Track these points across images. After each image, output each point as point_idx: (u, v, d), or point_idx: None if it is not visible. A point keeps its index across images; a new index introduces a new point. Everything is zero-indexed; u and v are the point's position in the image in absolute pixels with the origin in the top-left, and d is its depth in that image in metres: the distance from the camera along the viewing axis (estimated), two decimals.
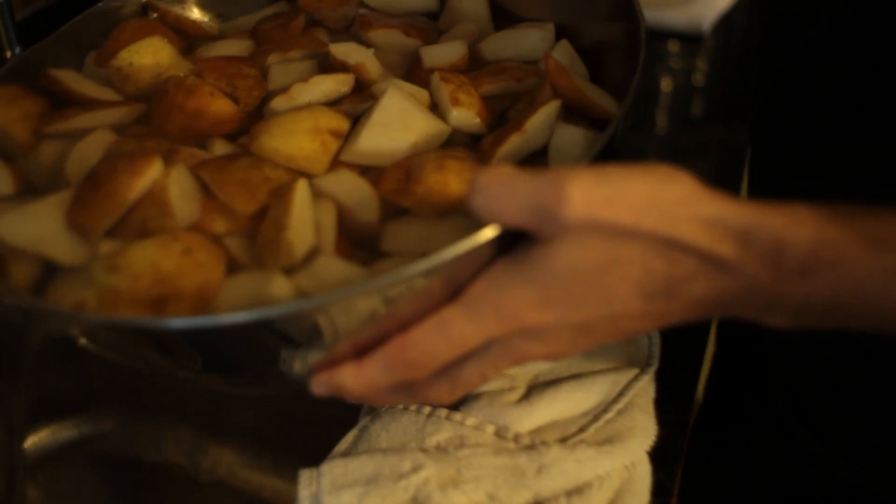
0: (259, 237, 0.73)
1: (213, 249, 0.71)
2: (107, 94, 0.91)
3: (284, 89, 0.88)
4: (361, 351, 0.68)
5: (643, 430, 0.80)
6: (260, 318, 0.62)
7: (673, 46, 1.63)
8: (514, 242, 0.64)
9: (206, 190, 0.78)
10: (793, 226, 0.60)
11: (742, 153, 1.31)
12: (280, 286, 0.68)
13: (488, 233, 0.63)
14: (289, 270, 0.70)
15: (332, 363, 0.68)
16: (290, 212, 0.71)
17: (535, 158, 0.81)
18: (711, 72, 1.57)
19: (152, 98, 0.89)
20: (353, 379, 0.67)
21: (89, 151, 0.83)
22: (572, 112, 0.85)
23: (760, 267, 0.60)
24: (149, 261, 0.68)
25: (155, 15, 1.03)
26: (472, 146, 0.85)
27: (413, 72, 0.94)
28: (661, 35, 1.64)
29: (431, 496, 0.73)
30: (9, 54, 1.13)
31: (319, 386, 0.69)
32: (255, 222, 0.75)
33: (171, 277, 0.68)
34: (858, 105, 0.83)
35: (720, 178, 1.31)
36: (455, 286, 0.65)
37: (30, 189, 0.83)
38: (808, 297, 0.61)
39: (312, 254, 0.72)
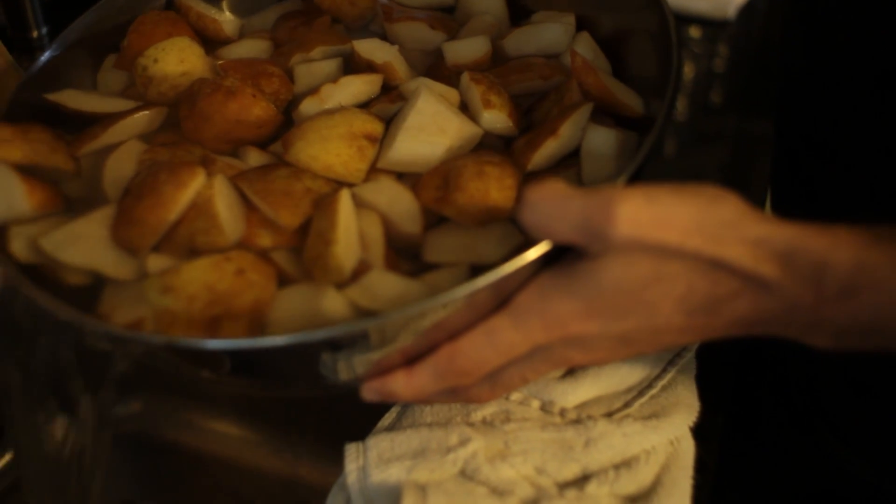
0: (305, 252, 0.74)
1: (265, 268, 0.72)
2: (117, 104, 0.91)
3: (313, 91, 0.88)
4: (411, 358, 0.70)
5: (687, 405, 0.81)
6: (334, 336, 0.64)
7: (695, 32, 1.63)
8: (559, 253, 0.66)
9: (245, 202, 0.79)
10: (834, 249, 0.61)
11: (758, 143, 1.33)
12: (333, 301, 0.70)
13: (541, 249, 0.65)
14: (339, 284, 0.72)
15: (383, 371, 0.71)
16: (336, 226, 0.72)
17: (567, 160, 0.82)
18: (732, 58, 1.57)
19: (180, 101, 0.88)
20: (403, 386, 0.70)
21: (122, 163, 0.83)
22: (597, 110, 0.85)
23: (802, 288, 0.62)
24: (202, 282, 0.69)
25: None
26: (501, 147, 0.86)
27: (436, 68, 0.94)
28: (683, 19, 1.63)
29: (480, 469, 0.74)
30: (35, 34, 1.11)
31: (370, 393, 0.72)
32: (299, 235, 0.76)
33: (224, 298, 0.69)
34: (883, 95, 0.84)
35: (735, 167, 1.33)
36: (503, 297, 0.68)
37: (71, 207, 0.83)
38: (848, 320, 0.63)
39: (360, 267, 0.73)
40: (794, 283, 0.62)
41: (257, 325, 0.70)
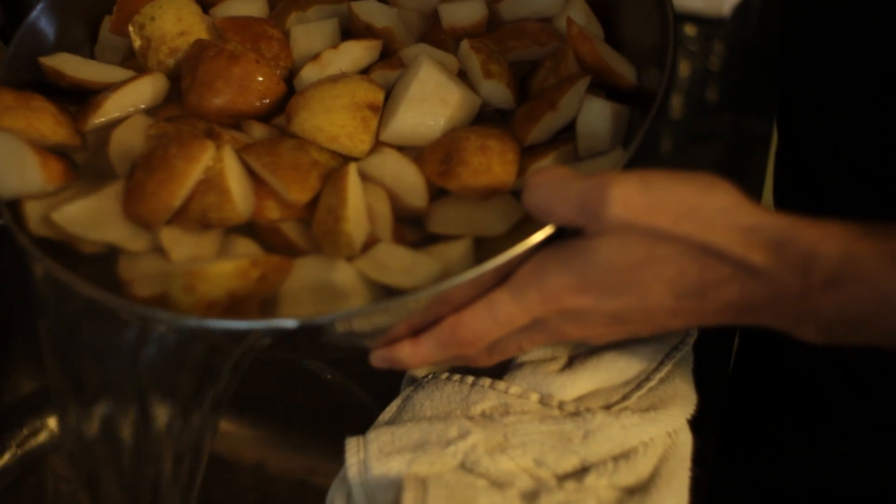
0: (315, 226, 0.76)
1: (286, 266, 0.74)
2: (116, 73, 0.90)
3: (314, 57, 0.89)
4: (416, 329, 0.74)
5: (684, 398, 0.83)
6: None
7: (690, 30, 1.63)
8: (558, 234, 0.70)
9: (252, 175, 0.80)
10: (823, 240, 0.64)
11: (754, 140, 1.36)
12: (344, 273, 0.73)
13: (546, 231, 0.69)
14: (349, 258, 0.75)
15: (390, 341, 0.74)
16: (345, 203, 0.74)
17: (563, 133, 0.84)
18: (727, 56, 1.58)
19: (182, 69, 0.88)
20: (409, 355, 0.74)
21: (128, 137, 0.84)
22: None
23: (790, 276, 0.64)
24: (226, 289, 0.70)
25: None
26: (496, 116, 0.88)
27: (432, 31, 0.95)
28: (678, 17, 1.63)
29: (480, 461, 0.76)
30: None
31: (378, 360, 0.76)
32: (308, 206, 0.78)
33: (243, 299, 0.71)
34: (886, 90, 0.85)
35: (730, 164, 1.36)
36: (505, 273, 0.71)
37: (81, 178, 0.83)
38: (835, 311, 0.65)
39: (368, 239, 0.76)
40: (783, 272, 0.64)
41: (270, 303, 0.73)
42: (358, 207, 0.75)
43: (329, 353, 0.85)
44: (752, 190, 1.21)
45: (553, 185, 0.68)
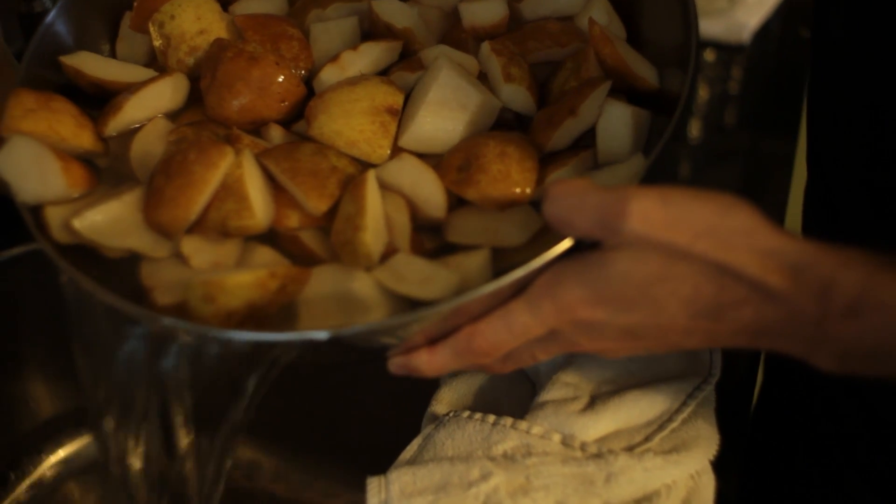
0: (334, 235, 0.77)
1: (304, 276, 0.74)
2: (137, 72, 0.91)
3: (333, 58, 0.88)
4: (433, 338, 0.74)
5: (707, 439, 0.82)
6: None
7: (710, 55, 1.64)
8: (576, 247, 0.70)
9: (272, 179, 0.80)
10: (844, 267, 0.63)
11: (773, 160, 1.37)
12: (362, 283, 0.74)
13: (564, 245, 0.69)
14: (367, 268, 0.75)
15: (408, 349, 0.75)
16: (364, 212, 0.74)
17: (583, 138, 0.84)
18: (746, 81, 1.58)
19: (201, 69, 0.88)
20: (425, 363, 0.74)
21: (149, 143, 0.84)
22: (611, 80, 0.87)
23: (807, 302, 0.64)
24: (245, 300, 0.70)
25: None
26: (516, 120, 0.88)
27: (452, 30, 0.94)
28: (699, 44, 1.65)
29: None
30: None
31: (396, 368, 0.76)
32: (327, 215, 0.78)
33: (261, 309, 0.72)
34: None
35: (750, 184, 1.37)
36: (521, 285, 0.71)
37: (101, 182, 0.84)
38: (852, 340, 0.64)
39: (386, 249, 0.76)
40: (800, 297, 0.64)
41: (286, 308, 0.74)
42: (376, 217, 0.75)
43: (343, 356, 0.86)
44: (772, 209, 1.24)
45: (573, 196, 0.68)
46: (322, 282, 0.74)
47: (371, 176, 0.76)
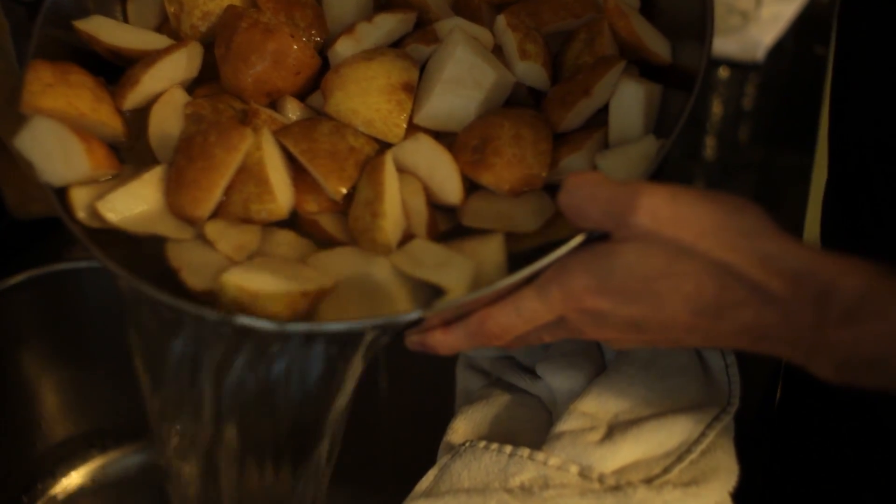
0: (351, 220, 0.79)
1: (330, 290, 0.75)
2: (152, 39, 0.90)
3: (348, 29, 0.88)
4: (448, 319, 0.77)
5: (726, 470, 0.81)
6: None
7: (724, 72, 1.64)
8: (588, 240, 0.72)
9: (290, 158, 0.82)
10: (845, 274, 0.64)
11: (790, 173, 1.39)
12: (380, 267, 0.76)
13: (577, 240, 0.72)
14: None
15: (424, 328, 0.78)
16: (382, 198, 0.76)
17: (595, 117, 0.85)
18: (761, 98, 1.58)
19: (216, 36, 0.88)
20: (440, 342, 0.77)
21: (167, 118, 0.85)
22: (624, 53, 0.88)
23: (807, 307, 0.65)
24: (272, 312, 0.72)
25: None
26: (531, 97, 0.88)
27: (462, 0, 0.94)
28: (712, 62, 1.64)
29: None
30: None
31: (412, 344, 0.79)
32: (346, 199, 0.80)
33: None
34: None
35: (766, 196, 1.39)
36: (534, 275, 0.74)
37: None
38: (851, 347, 0.65)
39: (403, 234, 0.78)
40: (799, 301, 0.65)
41: None
42: (394, 202, 0.77)
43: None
44: (789, 223, 1.24)
45: (587, 188, 0.70)
46: (339, 264, 0.77)
47: (389, 160, 0.78)
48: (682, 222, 0.67)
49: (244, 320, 0.72)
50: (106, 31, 0.90)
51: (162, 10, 0.94)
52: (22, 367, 1.16)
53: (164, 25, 0.95)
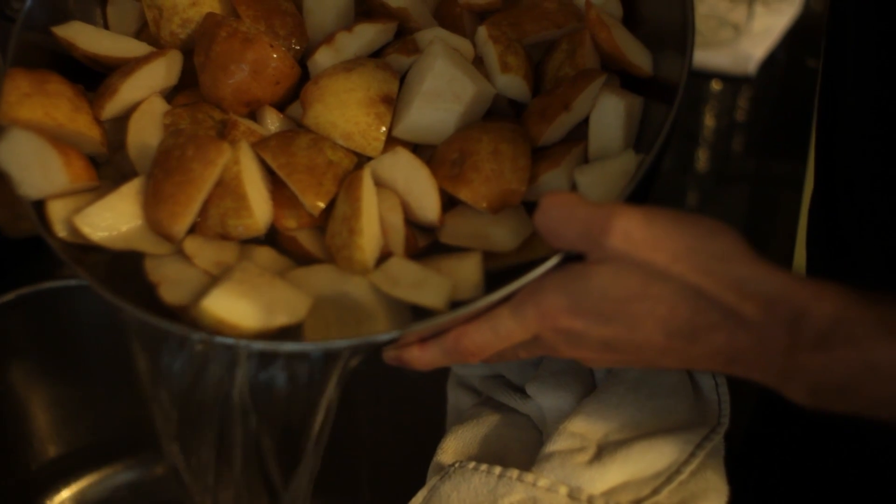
0: (328, 237, 0.79)
1: (303, 316, 0.76)
2: (131, 46, 0.90)
3: (328, 39, 0.88)
4: (424, 336, 0.78)
5: (716, 490, 0.81)
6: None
7: (716, 85, 1.64)
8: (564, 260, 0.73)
9: (268, 170, 0.81)
10: (817, 300, 0.65)
11: (783, 183, 1.40)
12: (358, 286, 0.77)
13: (553, 261, 0.72)
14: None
15: (401, 344, 0.78)
16: (359, 214, 0.76)
17: (575, 131, 0.85)
18: (752, 109, 1.59)
19: (195, 43, 0.87)
20: (416, 359, 0.78)
21: (145, 127, 0.84)
22: (605, 64, 0.88)
23: (779, 331, 0.65)
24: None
25: None
26: (511, 108, 0.88)
27: (443, 6, 0.94)
28: (704, 75, 1.65)
29: None
30: None
31: (389, 359, 0.79)
32: (324, 214, 0.80)
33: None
34: None
35: (760, 206, 1.39)
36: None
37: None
38: (822, 372, 0.65)
39: (381, 252, 0.78)
40: (772, 326, 0.65)
41: None
42: (372, 218, 0.77)
43: None
44: (782, 233, 1.29)
45: (563, 208, 0.70)
46: (317, 281, 0.77)
47: (367, 175, 0.78)
48: (656, 245, 0.67)
49: (223, 341, 0.72)
50: (84, 37, 0.89)
51: (142, 14, 0.93)
52: (13, 384, 1.16)
53: (144, 29, 0.94)
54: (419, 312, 0.75)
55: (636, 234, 0.67)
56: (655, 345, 0.70)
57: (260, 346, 0.73)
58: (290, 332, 0.74)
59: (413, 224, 0.81)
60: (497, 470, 0.82)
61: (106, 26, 0.95)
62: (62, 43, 0.89)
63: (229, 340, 0.72)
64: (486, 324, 0.74)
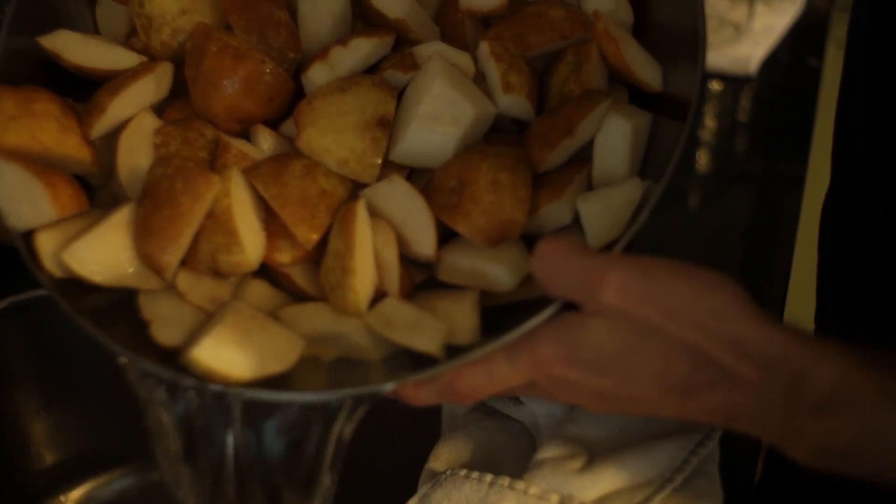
0: (323, 273, 0.77)
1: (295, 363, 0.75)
2: (120, 56, 0.87)
3: (322, 53, 0.85)
4: None
5: (710, 497, 0.81)
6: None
7: (717, 85, 1.60)
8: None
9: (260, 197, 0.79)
10: (818, 363, 0.63)
11: (785, 182, 1.38)
12: (352, 326, 0.76)
13: (550, 310, 0.71)
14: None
15: None
16: (353, 252, 0.74)
17: (580, 153, 0.82)
18: (754, 109, 1.55)
19: (186, 55, 0.84)
20: (411, 397, 0.77)
21: (134, 146, 0.82)
22: (613, 77, 0.85)
23: (779, 393, 0.64)
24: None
25: None
26: (514, 125, 0.86)
27: (446, 10, 0.90)
28: (704, 75, 1.64)
29: None
30: None
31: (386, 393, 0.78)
32: (318, 247, 0.78)
33: None
34: None
35: (762, 206, 1.38)
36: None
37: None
38: (824, 437, 0.64)
39: (376, 291, 0.77)
40: (771, 388, 0.64)
41: None
42: (366, 255, 0.75)
43: None
44: (784, 232, 1.29)
45: (559, 255, 0.69)
46: (310, 321, 0.76)
47: (361, 209, 0.76)
48: (651, 300, 0.66)
49: (214, 388, 0.71)
50: (71, 48, 0.86)
51: (131, 18, 0.90)
52: (8, 392, 1.16)
53: (135, 32, 0.91)
54: (415, 353, 0.73)
55: (631, 287, 0.66)
56: (652, 398, 0.69)
57: (251, 394, 0.72)
58: (282, 378, 0.73)
59: (409, 259, 0.79)
60: (488, 477, 0.83)
61: (96, 28, 0.92)
62: (49, 53, 0.86)
63: (220, 388, 0.71)
64: (481, 368, 0.73)
